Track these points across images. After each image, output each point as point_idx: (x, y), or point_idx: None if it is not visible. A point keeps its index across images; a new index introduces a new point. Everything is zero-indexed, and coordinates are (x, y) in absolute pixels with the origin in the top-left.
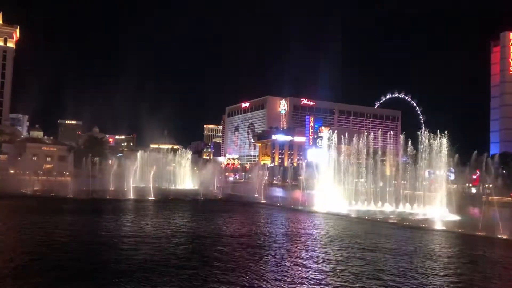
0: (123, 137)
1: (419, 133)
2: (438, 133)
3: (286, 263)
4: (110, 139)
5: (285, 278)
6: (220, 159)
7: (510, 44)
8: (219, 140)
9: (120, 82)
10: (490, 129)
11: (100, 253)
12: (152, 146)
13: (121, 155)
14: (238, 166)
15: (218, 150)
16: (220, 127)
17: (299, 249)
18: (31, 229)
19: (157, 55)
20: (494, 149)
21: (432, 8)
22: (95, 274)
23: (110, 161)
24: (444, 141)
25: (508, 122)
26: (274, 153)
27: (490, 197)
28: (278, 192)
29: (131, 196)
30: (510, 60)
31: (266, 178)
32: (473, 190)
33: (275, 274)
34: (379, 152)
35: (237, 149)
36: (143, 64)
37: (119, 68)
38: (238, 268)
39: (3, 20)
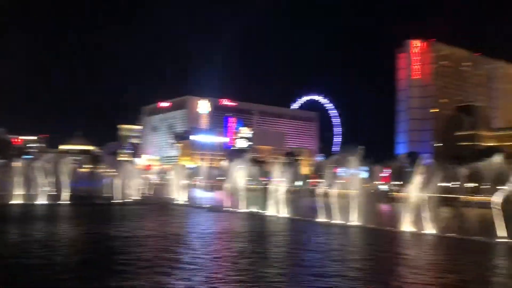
0: (35, 137)
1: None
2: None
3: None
4: (17, 140)
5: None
6: (139, 160)
7: (414, 51)
8: (137, 140)
9: (30, 80)
10: (397, 130)
11: None
12: (63, 147)
13: (28, 156)
14: (158, 167)
15: (137, 151)
16: (139, 127)
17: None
18: None
19: (72, 53)
20: (401, 148)
21: (347, 9)
22: None
23: (13, 163)
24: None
25: (414, 123)
26: (195, 154)
27: (397, 193)
28: (198, 193)
29: (44, 200)
30: (415, 65)
31: (186, 179)
32: (384, 187)
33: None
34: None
35: (157, 150)
36: (57, 63)
37: (25, 65)
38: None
39: None
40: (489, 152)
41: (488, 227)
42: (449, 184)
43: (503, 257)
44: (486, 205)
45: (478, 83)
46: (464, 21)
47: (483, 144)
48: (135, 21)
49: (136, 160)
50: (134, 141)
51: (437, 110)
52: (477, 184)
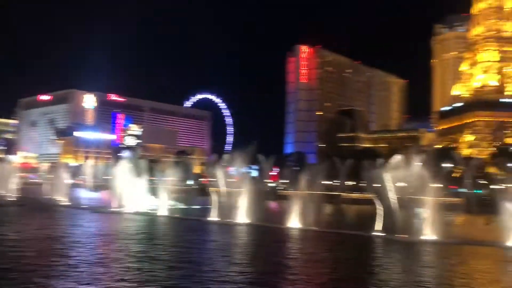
0: None
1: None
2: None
3: None
4: None
5: None
6: (13, 157)
7: (302, 56)
8: (12, 136)
9: None
10: (286, 131)
11: None
12: None
13: None
14: (37, 165)
15: (11, 147)
16: (14, 121)
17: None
18: None
19: None
20: (289, 148)
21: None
22: None
23: None
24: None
25: (301, 125)
26: (79, 151)
27: (285, 191)
28: (82, 193)
29: None
30: (303, 70)
31: (69, 178)
32: (273, 185)
33: None
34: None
35: (35, 147)
36: None
37: None
38: None
39: None
40: (366, 153)
41: (366, 222)
42: (331, 182)
43: (381, 249)
44: (364, 202)
45: (358, 89)
46: (349, 30)
47: (361, 145)
48: (14, 9)
49: (10, 157)
50: (8, 136)
51: (322, 113)
52: (355, 182)
